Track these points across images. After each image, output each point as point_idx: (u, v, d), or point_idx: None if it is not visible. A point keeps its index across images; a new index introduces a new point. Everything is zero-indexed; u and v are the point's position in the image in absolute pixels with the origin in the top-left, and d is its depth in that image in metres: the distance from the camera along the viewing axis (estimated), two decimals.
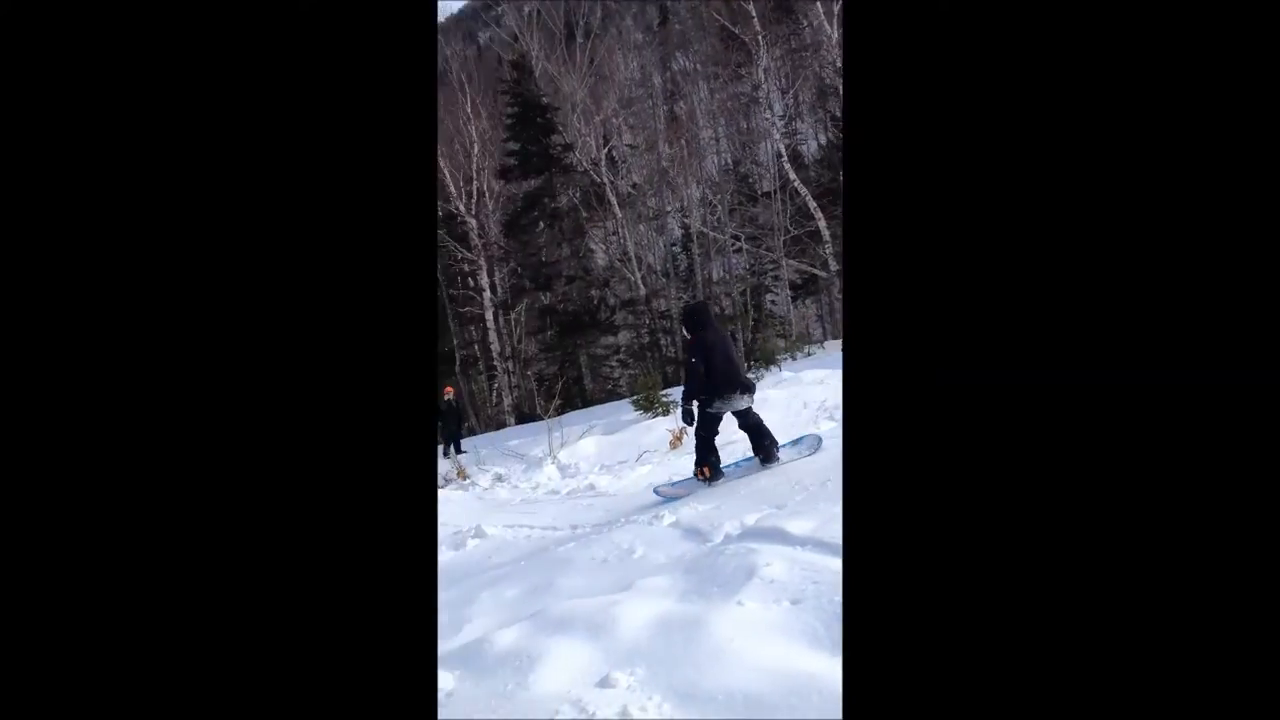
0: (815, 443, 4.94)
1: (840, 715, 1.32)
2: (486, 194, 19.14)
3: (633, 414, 10.01)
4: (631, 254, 18.16)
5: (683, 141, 18.60)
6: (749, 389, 4.68)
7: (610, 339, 19.50)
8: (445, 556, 4.59)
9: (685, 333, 4.92)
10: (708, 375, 4.59)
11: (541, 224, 18.66)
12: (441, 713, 2.49)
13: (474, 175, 18.68)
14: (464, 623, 3.30)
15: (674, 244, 20.79)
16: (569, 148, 18.54)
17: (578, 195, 18.57)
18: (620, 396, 16.27)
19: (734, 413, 4.76)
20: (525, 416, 17.35)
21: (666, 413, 9.30)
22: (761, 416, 4.88)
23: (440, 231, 18.78)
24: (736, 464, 4.98)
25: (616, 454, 7.93)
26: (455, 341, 20.55)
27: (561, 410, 12.23)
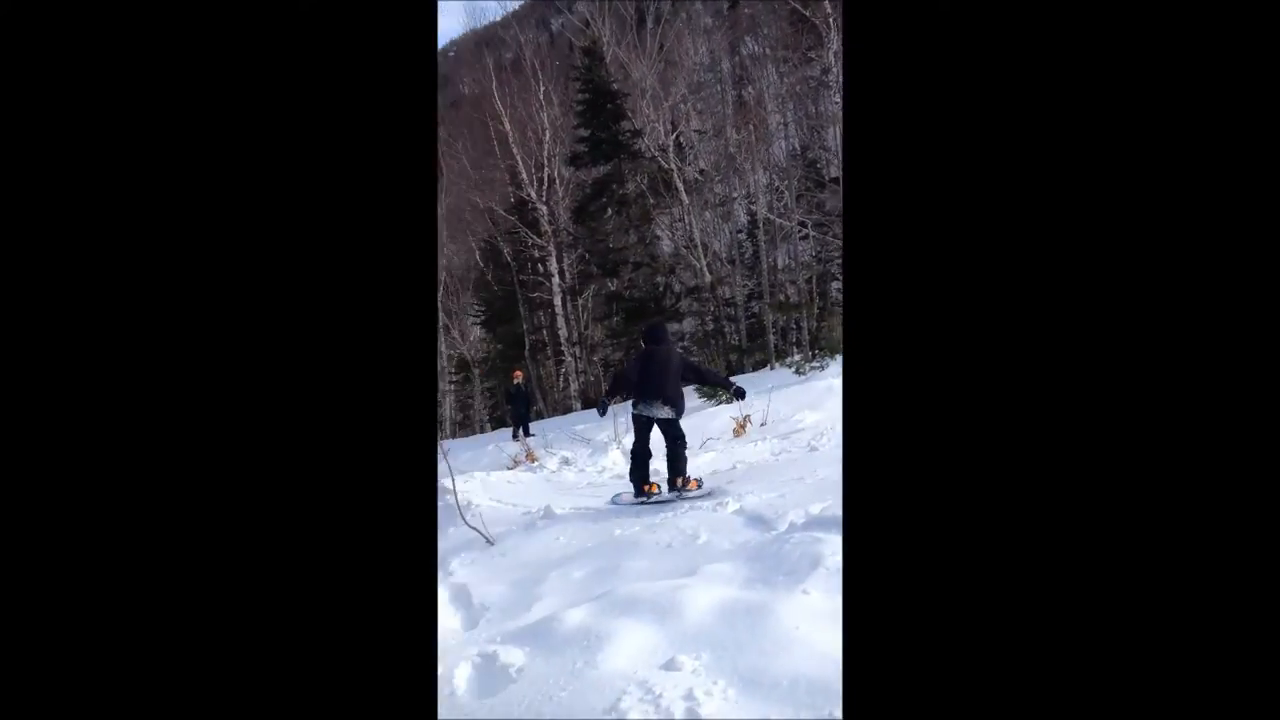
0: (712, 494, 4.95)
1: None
2: (557, 180, 19.34)
3: (696, 401, 10.04)
4: (697, 240, 18.10)
5: (750, 126, 18.37)
6: (670, 403, 5.05)
7: (675, 325, 19.51)
8: (515, 537, 4.72)
9: (642, 343, 5.56)
10: (637, 381, 5.12)
11: (609, 210, 18.76)
12: (513, 687, 2.60)
13: (545, 162, 18.89)
14: (533, 601, 3.41)
15: (740, 230, 20.63)
16: (638, 134, 18.55)
17: (645, 181, 18.58)
18: (684, 383, 16.25)
19: (657, 421, 5.10)
20: (591, 401, 17.55)
21: (730, 401, 9.29)
22: (686, 446, 5.16)
23: (512, 218, 19.09)
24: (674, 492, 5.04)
25: None
26: (525, 326, 20.90)
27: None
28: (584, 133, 18.93)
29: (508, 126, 18.67)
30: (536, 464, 8.23)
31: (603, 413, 5.50)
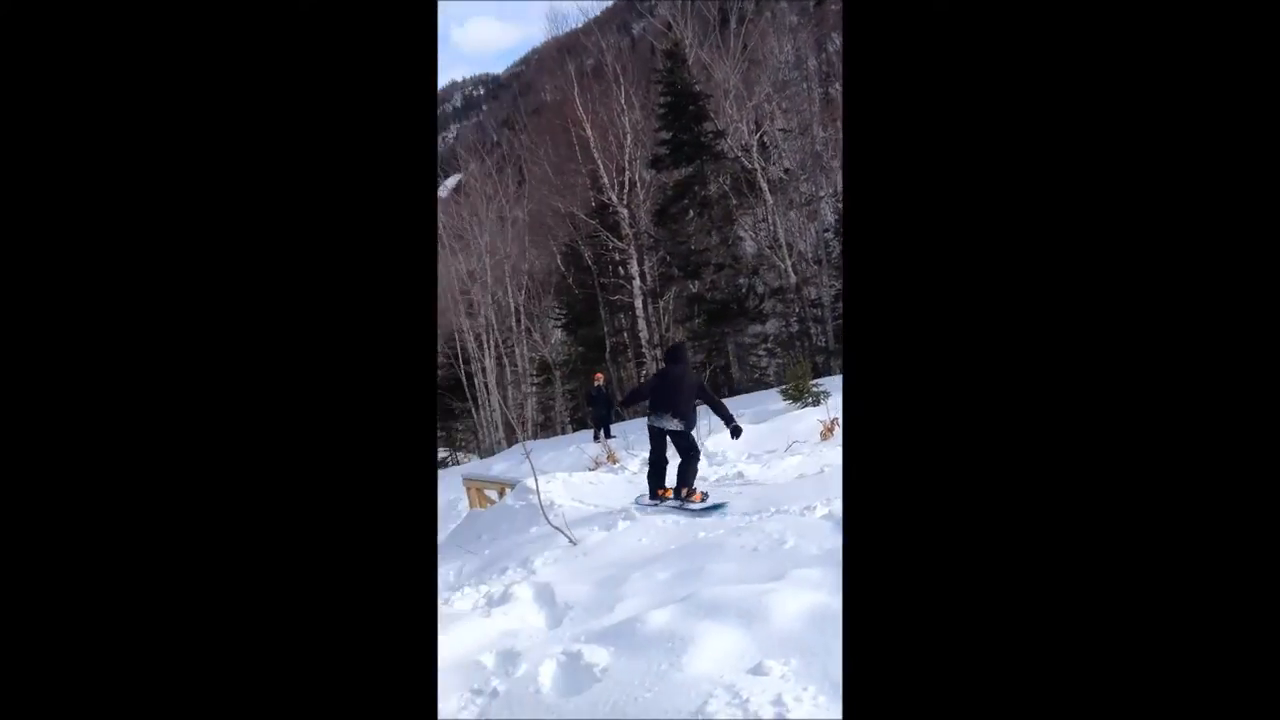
0: (717, 509, 5.10)
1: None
2: (638, 184, 19.42)
3: (781, 403, 9.87)
4: (782, 240, 17.85)
5: (837, 124, 18.02)
6: (681, 417, 5.42)
7: (758, 327, 19.29)
8: (597, 537, 4.73)
9: (662, 362, 6.35)
10: (652, 396, 5.59)
11: (691, 212, 18.72)
12: (598, 686, 2.58)
13: (626, 166, 19.00)
14: (616, 601, 3.39)
15: (827, 229, 20.24)
16: (720, 134, 18.46)
17: (728, 182, 18.46)
18: (768, 385, 16.05)
19: (669, 433, 5.48)
20: None
21: (817, 403, 9.10)
22: (698, 460, 5.58)
23: (593, 222, 19.27)
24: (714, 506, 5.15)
25: (765, 443, 7.85)
26: (606, 329, 21.06)
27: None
28: (665, 135, 18.95)
29: (589, 131, 18.86)
30: (618, 465, 8.25)
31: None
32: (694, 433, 5.50)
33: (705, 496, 5.40)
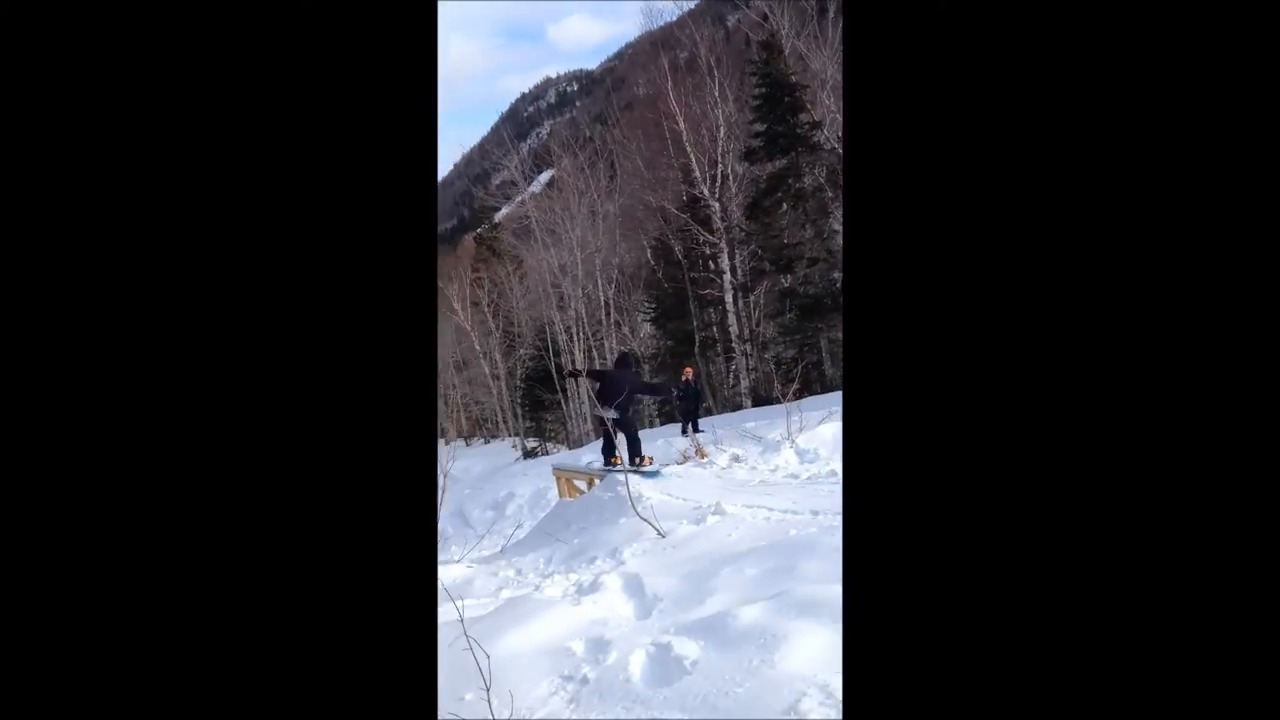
0: (656, 474, 7.00)
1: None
2: (730, 177, 19.27)
3: None
4: None
5: None
6: (618, 409, 7.37)
7: None
8: (685, 530, 4.72)
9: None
10: (598, 393, 7.65)
11: (784, 205, 18.43)
12: (687, 679, 2.57)
13: (718, 159, 18.89)
14: (706, 595, 3.38)
15: None
16: (817, 126, 18.09)
17: (824, 174, 18.09)
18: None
19: (611, 420, 7.37)
20: (761, 399, 17.34)
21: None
22: (637, 437, 7.58)
23: (684, 216, 19.24)
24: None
25: None
26: (695, 323, 21.02)
27: (800, 394, 12.06)
28: (759, 127, 18.71)
29: (682, 125, 18.83)
30: (706, 460, 8.22)
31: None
32: (630, 417, 7.63)
33: (651, 460, 7.49)
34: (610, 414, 7.37)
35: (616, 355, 9.67)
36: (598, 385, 7.86)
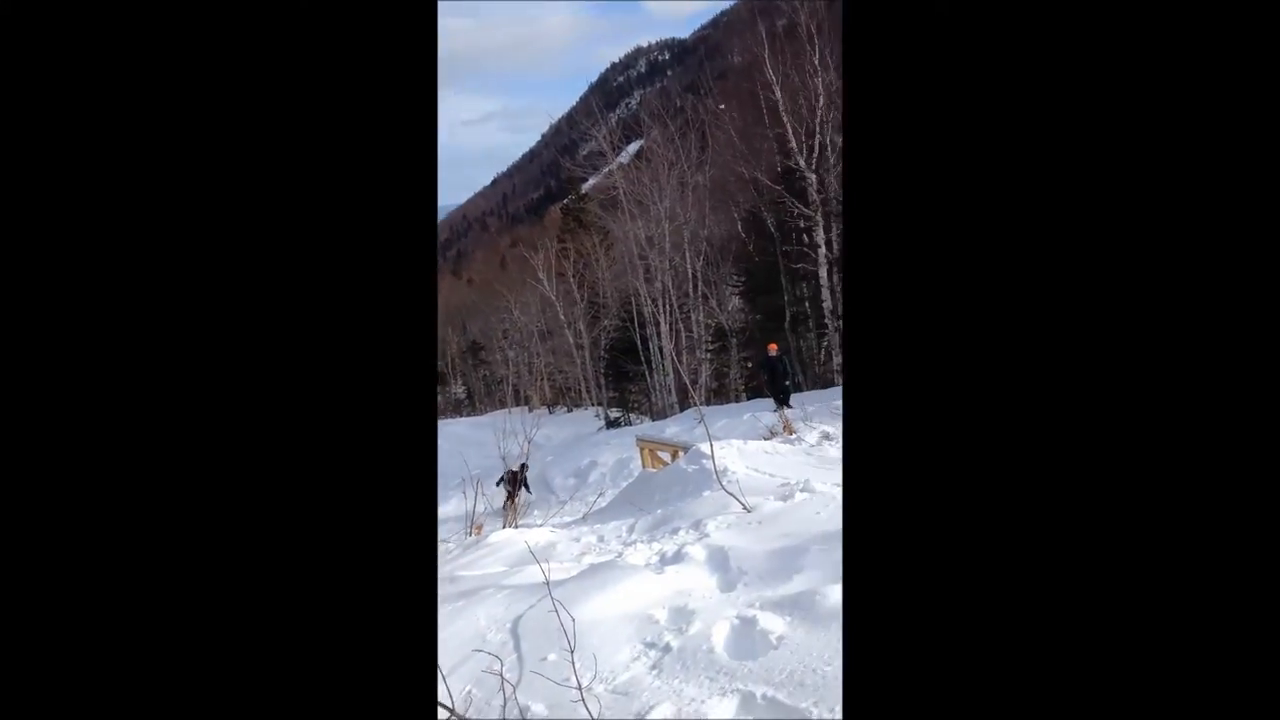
0: None
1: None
2: (828, 148, 18.70)
3: None
4: None
5: None
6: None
7: None
8: (772, 506, 4.64)
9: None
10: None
11: None
12: (773, 654, 2.52)
13: (816, 129, 18.33)
14: (793, 572, 3.31)
15: None
16: None
17: None
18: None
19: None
20: None
21: None
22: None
23: (778, 188, 18.83)
24: None
25: None
26: (786, 298, 20.64)
27: None
28: None
29: (778, 94, 18.34)
30: (794, 437, 8.08)
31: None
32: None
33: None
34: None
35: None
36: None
